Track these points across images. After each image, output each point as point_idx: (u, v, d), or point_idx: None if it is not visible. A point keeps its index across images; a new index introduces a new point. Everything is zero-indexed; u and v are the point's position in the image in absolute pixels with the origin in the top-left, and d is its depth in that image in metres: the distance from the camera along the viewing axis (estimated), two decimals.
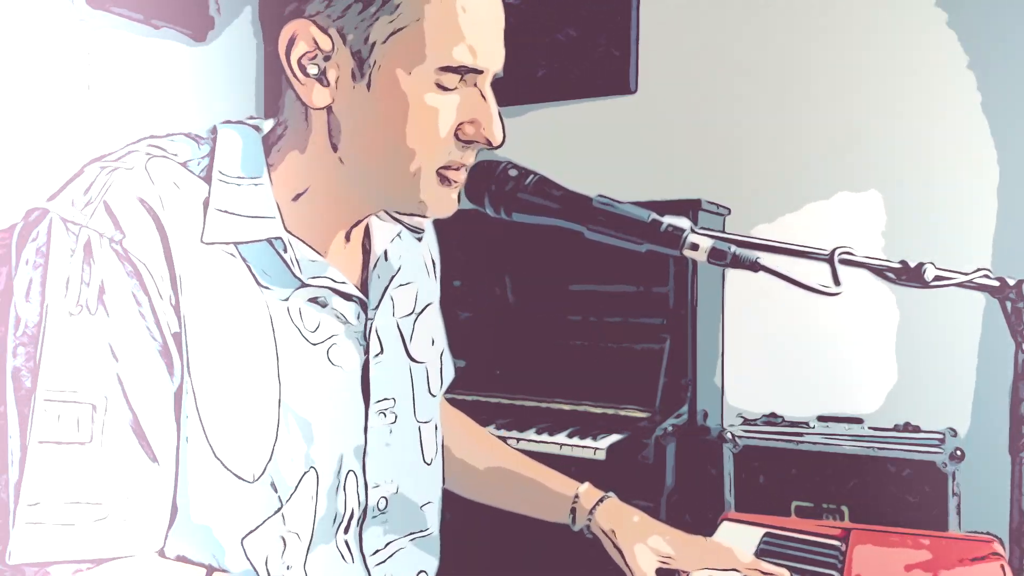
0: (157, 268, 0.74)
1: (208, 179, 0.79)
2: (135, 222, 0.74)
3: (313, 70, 0.78)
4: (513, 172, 0.85)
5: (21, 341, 0.72)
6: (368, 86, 0.77)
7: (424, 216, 0.86)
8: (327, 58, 0.78)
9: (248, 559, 0.79)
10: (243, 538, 0.79)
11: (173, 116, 2.63)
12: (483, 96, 0.80)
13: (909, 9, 2.19)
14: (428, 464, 0.98)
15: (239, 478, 0.78)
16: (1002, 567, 1.01)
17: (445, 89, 0.78)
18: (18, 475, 0.71)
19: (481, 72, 0.79)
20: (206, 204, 0.78)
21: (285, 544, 0.81)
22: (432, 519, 1.00)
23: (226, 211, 0.78)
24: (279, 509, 0.81)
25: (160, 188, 0.76)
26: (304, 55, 0.77)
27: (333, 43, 0.77)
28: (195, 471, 0.77)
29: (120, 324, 0.73)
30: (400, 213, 0.94)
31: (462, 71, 0.78)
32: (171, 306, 0.75)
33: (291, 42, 0.77)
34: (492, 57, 0.80)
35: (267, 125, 0.87)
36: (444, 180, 0.82)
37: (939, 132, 2.16)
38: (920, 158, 2.18)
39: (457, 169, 0.82)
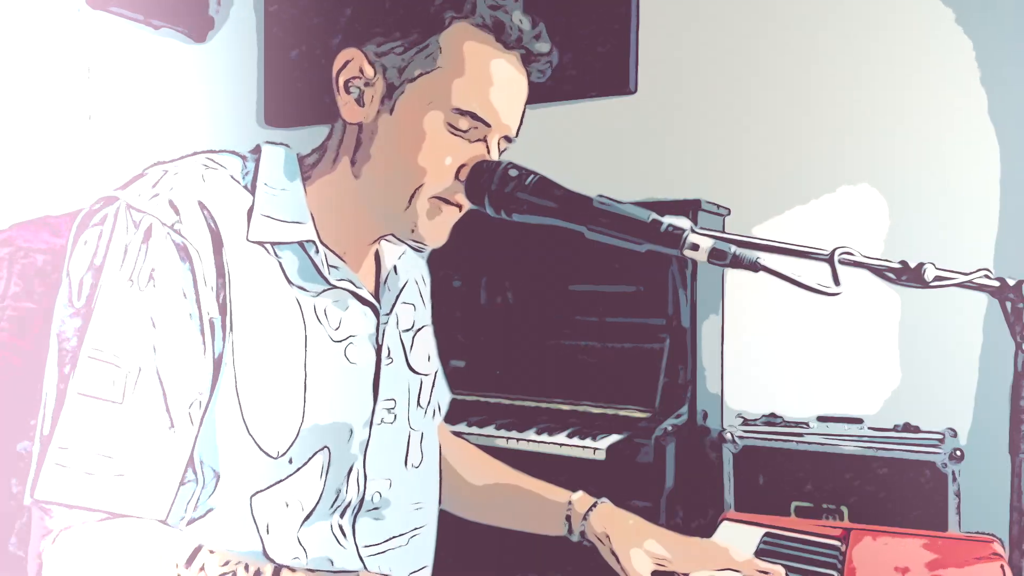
0: (207, 258, 0.83)
1: (252, 190, 0.90)
2: (192, 217, 0.83)
3: (354, 92, 0.91)
4: (513, 172, 0.86)
5: (74, 308, 0.80)
6: (392, 111, 0.90)
7: (416, 241, 0.94)
8: (368, 84, 0.91)
9: (252, 517, 0.86)
10: (252, 495, 0.86)
11: (173, 116, 2.63)
12: (487, 148, 0.91)
13: (911, 8, 2.19)
14: (413, 468, 1.03)
15: (266, 454, 0.86)
16: (1002, 567, 1.01)
17: (456, 130, 0.89)
18: (49, 427, 0.78)
19: (490, 126, 0.90)
20: (250, 212, 0.88)
21: (288, 508, 0.88)
22: (425, 519, 1.04)
23: (268, 216, 0.89)
24: (289, 476, 0.88)
25: (215, 194, 0.86)
26: (351, 78, 0.91)
27: (376, 73, 0.90)
28: (228, 447, 0.84)
29: (165, 302, 0.81)
30: (396, 237, 1.00)
31: (471, 117, 0.89)
32: (213, 294, 0.83)
33: (344, 65, 0.91)
34: (504, 117, 0.91)
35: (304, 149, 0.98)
36: (438, 210, 0.91)
37: (941, 131, 2.16)
38: (922, 158, 2.18)
39: (451, 204, 0.91)
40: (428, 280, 1.16)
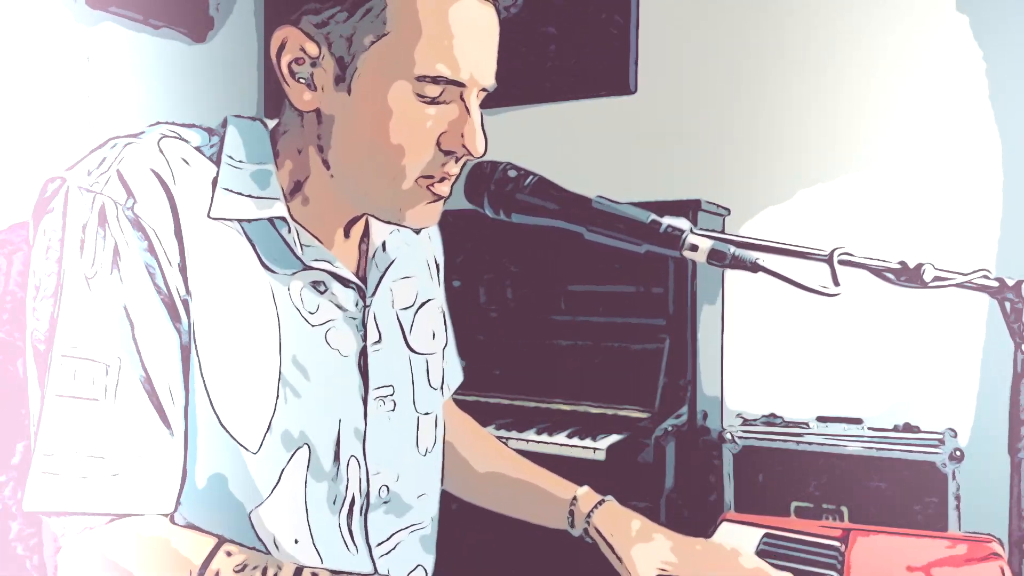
0: (167, 235, 0.77)
1: (217, 161, 0.83)
2: (147, 191, 0.77)
3: (302, 75, 0.81)
4: (512, 173, 0.86)
5: (38, 305, 0.76)
6: (349, 91, 0.80)
7: (403, 226, 0.87)
8: (314, 63, 0.80)
9: (255, 532, 0.82)
10: (250, 512, 0.82)
11: (173, 116, 2.62)
12: (467, 108, 0.81)
13: (912, 8, 2.19)
14: (423, 455, 0.99)
15: (244, 447, 0.81)
16: (1001, 568, 1.01)
17: (425, 98, 0.79)
18: (34, 435, 0.74)
19: (464, 85, 0.80)
20: (214, 183, 0.81)
21: (286, 519, 0.84)
22: (428, 513, 1.00)
23: (232, 191, 0.82)
24: (277, 485, 0.83)
25: (171, 163, 0.80)
26: (293, 60, 0.81)
27: (320, 49, 0.80)
28: (203, 439, 0.80)
29: (133, 287, 0.76)
30: (382, 221, 0.93)
31: (441, 82, 0.79)
32: (179, 272, 0.78)
33: (281, 47, 0.81)
34: (475, 70, 0.80)
35: (272, 122, 0.90)
36: (428, 192, 0.83)
37: (943, 132, 2.16)
38: (923, 158, 2.18)
39: (441, 181, 0.83)
40: (437, 246, 1.08)
